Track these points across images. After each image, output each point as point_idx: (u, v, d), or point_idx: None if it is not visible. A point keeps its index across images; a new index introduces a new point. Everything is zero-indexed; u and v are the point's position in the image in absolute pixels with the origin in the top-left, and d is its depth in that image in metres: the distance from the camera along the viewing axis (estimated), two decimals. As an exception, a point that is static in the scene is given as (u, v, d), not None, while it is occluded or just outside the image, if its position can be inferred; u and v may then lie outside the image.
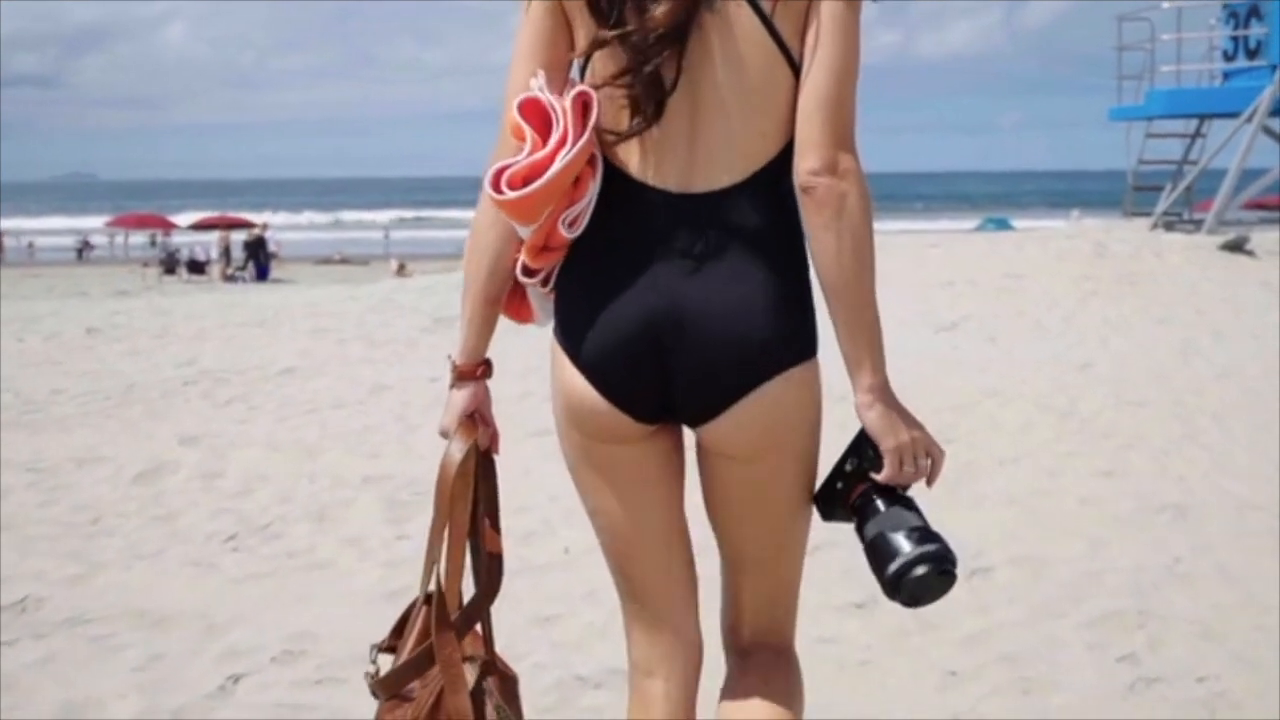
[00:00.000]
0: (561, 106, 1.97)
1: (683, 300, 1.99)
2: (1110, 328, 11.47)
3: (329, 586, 4.59)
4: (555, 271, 2.10)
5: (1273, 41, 17.71)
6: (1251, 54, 18.39)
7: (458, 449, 2.17)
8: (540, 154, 1.95)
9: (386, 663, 2.26)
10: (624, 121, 2.00)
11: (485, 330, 2.18)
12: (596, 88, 2.00)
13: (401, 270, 31.80)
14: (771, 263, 2.01)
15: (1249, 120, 17.33)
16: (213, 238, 37.51)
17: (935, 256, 15.44)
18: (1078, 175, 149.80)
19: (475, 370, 2.19)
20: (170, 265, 35.30)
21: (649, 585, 2.21)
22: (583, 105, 1.98)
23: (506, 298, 2.18)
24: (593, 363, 2.05)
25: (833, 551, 4.89)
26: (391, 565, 4.79)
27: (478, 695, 2.15)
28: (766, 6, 1.95)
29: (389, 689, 2.17)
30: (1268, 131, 17.71)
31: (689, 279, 1.99)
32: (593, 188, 2.01)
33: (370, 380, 9.35)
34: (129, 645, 4.00)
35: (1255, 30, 18.21)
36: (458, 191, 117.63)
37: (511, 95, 2.01)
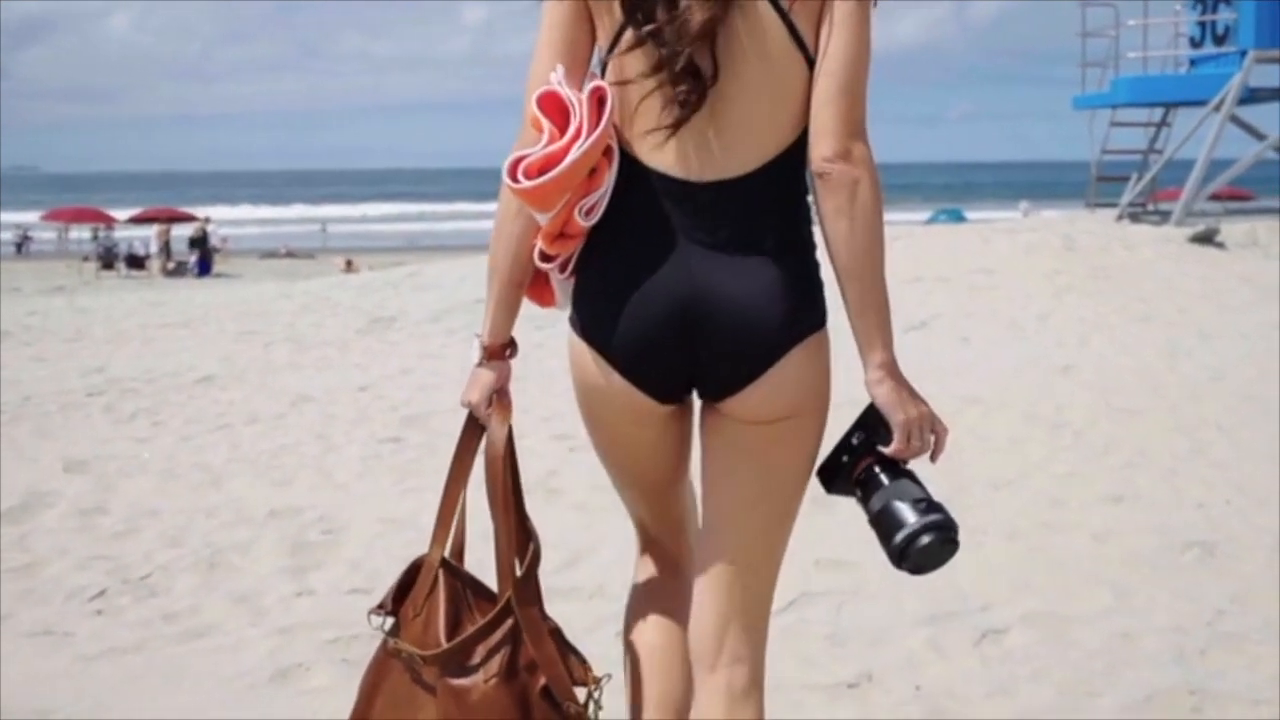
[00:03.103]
0: (579, 99, 2.04)
1: (706, 286, 2.08)
2: (1089, 327, 10.83)
3: (205, 663, 3.76)
4: (573, 258, 2.16)
5: (1242, 26, 17.16)
6: (1219, 40, 17.86)
7: (500, 430, 2.25)
8: (556, 145, 2.03)
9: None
10: (660, 116, 2.06)
11: (511, 312, 2.26)
12: (625, 83, 2.07)
13: (349, 267, 30.85)
14: (784, 244, 2.12)
15: (1217, 109, 16.77)
16: (153, 232, 36.28)
17: (899, 250, 14.74)
18: (1027, 166, 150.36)
19: (503, 349, 2.28)
20: (108, 260, 34.16)
21: (671, 519, 2.43)
22: (598, 99, 2.05)
23: (530, 282, 2.25)
24: (617, 348, 2.13)
25: (810, 608, 4.17)
26: (286, 633, 3.98)
27: (555, 642, 2.24)
28: (785, 3, 2.03)
29: (455, 658, 2.20)
30: (1236, 120, 17.15)
31: (709, 265, 2.09)
32: (609, 178, 2.09)
33: (293, 390, 8.53)
34: (-65, 758, 3.19)
35: (1224, 15, 17.68)
36: (408, 184, 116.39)
37: (532, 88, 2.09)
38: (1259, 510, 5.28)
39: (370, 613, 2.29)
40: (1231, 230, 15.69)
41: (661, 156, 2.09)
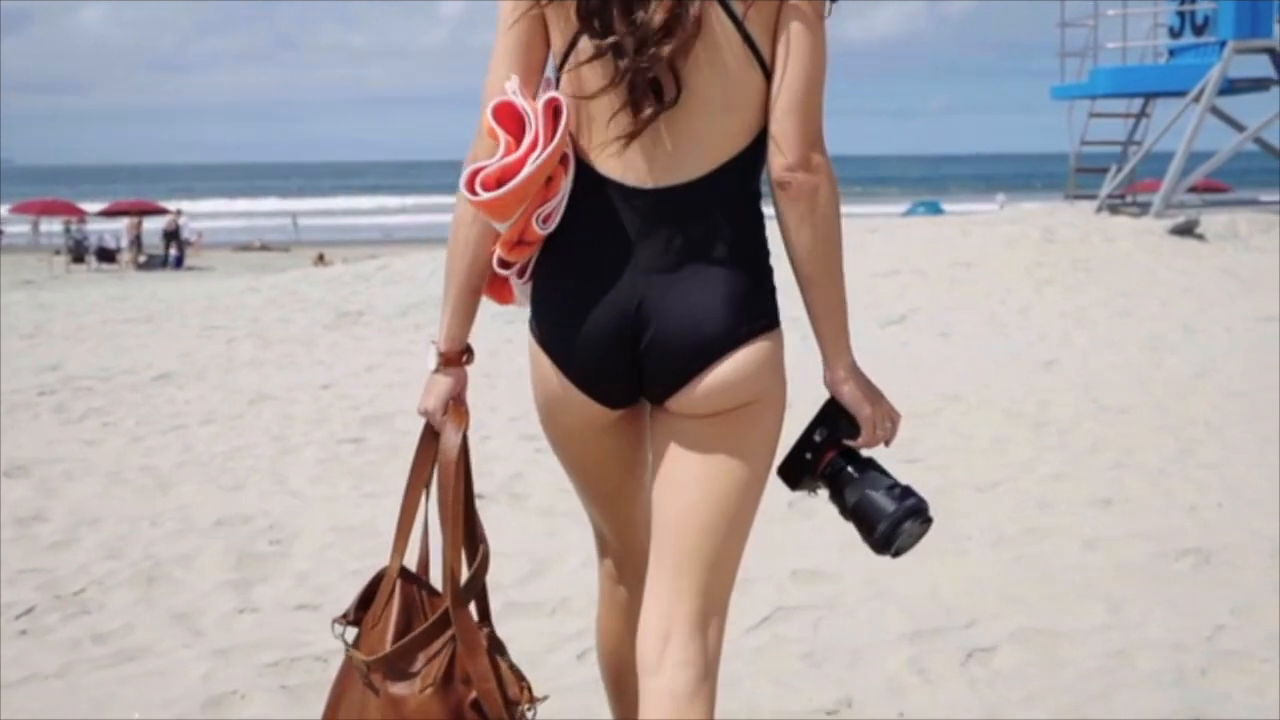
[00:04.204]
0: (535, 110, 2.05)
1: (654, 296, 2.08)
2: (1071, 321, 10.63)
3: (132, 690, 3.47)
4: (531, 263, 2.17)
5: (1221, 17, 16.98)
6: (1199, 30, 17.67)
7: (454, 436, 2.24)
8: (513, 157, 2.03)
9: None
10: (615, 127, 2.06)
11: (467, 318, 2.26)
12: (582, 95, 2.06)
13: (321, 260, 30.49)
14: (736, 249, 2.10)
15: (1196, 100, 16.59)
16: (124, 225, 35.84)
17: (876, 243, 14.56)
18: (1004, 159, 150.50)
19: (459, 356, 2.27)
20: (79, 254, 33.70)
21: (631, 529, 2.38)
22: (554, 110, 2.06)
23: (489, 280, 2.25)
24: (571, 358, 2.14)
25: (785, 624, 3.92)
26: (224, 654, 3.70)
27: (491, 656, 2.20)
28: (739, 9, 2.02)
29: (395, 664, 2.19)
30: (1216, 112, 16.98)
31: (659, 274, 2.08)
32: (565, 186, 2.09)
33: (253, 388, 8.25)
34: None
35: (1203, 5, 17.49)
36: (384, 176, 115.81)
37: (488, 98, 2.09)
38: (1252, 513, 5.06)
39: (334, 621, 2.30)
40: (1211, 222, 15.51)
41: (614, 164, 2.09)
